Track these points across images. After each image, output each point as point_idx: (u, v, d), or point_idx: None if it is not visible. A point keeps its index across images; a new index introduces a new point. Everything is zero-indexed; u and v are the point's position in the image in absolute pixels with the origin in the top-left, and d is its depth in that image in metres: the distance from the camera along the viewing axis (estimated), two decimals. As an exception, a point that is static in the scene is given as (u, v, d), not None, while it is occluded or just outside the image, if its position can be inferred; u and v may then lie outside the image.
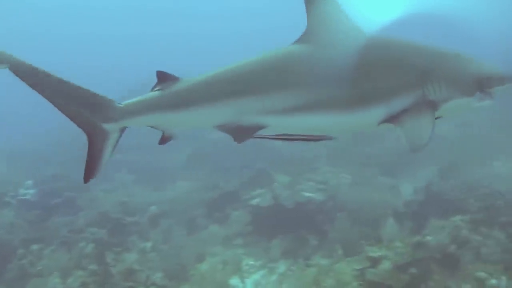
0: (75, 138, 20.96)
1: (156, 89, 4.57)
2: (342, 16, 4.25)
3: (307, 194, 12.82)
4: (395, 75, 4.05)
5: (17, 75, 4.23)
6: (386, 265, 9.34)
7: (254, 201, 12.98)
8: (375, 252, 9.75)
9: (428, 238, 9.95)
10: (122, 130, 4.64)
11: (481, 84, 4.00)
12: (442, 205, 11.49)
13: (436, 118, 4.06)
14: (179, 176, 16.86)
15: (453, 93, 4.01)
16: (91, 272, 10.57)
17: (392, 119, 4.03)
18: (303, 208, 12.45)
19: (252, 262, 11.26)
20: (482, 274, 8.81)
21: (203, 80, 4.43)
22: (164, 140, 4.67)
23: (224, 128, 4.31)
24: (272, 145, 17.33)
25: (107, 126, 4.54)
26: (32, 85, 4.29)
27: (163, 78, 4.54)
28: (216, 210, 13.56)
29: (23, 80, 4.24)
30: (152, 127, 4.65)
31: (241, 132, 4.26)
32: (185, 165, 17.80)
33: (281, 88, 4.16)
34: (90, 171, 4.54)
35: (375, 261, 9.52)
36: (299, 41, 4.34)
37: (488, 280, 8.70)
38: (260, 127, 4.25)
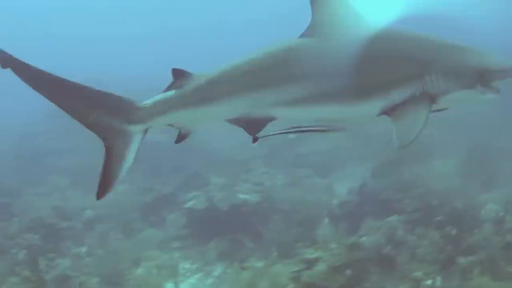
0: (11, 145, 20.47)
1: (173, 86, 4.47)
2: (346, 8, 4.23)
3: (243, 196, 12.69)
4: (395, 67, 4.07)
5: (21, 77, 4.11)
6: (321, 266, 9.28)
7: (189, 204, 12.80)
8: (310, 254, 9.67)
9: (364, 239, 9.94)
10: (146, 132, 4.49)
11: (483, 77, 3.88)
12: (378, 205, 11.47)
13: (441, 109, 4.14)
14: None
15: (453, 85, 3.93)
16: (24, 278, 10.15)
17: (389, 111, 4.02)
18: (238, 210, 12.31)
19: (188, 266, 11.10)
20: (418, 274, 8.83)
21: (218, 75, 4.42)
22: (181, 138, 4.62)
23: (237, 121, 4.36)
24: (208, 147, 17.10)
25: (131, 128, 4.39)
26: (39, 90, 4.17)
27: (178, 74, 4.45)
28: (151, 214, 13.35)
29: (29, 84, 4.12)
30: (170, 125, 4.56)
31: (253, 125, 4.32)
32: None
33: (289, 81, 4.20)
34: (107, 183, 4.38)
35: (310, 263, 9.44)
36: (304, 34, 4.36)
37: (424, 280, 8.74)
38: (271, 119, 4.30)
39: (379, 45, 4.07)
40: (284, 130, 4.38)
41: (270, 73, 4.26)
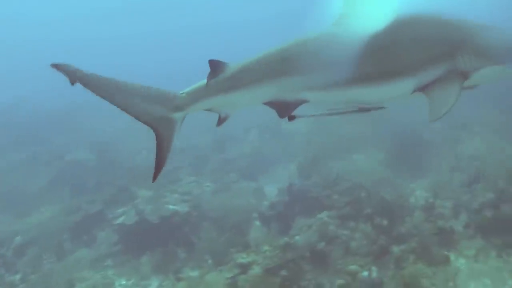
0: None
1: (210, 76, 4.88)
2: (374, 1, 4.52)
3: (172, 207, 12.50)
4: (428, 47, 4.33)
5: (88, 89, 4.62)
6: (256, 270, 9.21)
7: (119, 220, 12.52)
8: (244, 258, 9.61)
9: (296, 238, 9.88)
10: (184, 118, 4.98)
11: (510, 53, 4.21)
12: (307, 203, 11.45)
13: (472, 87, 4.47)
14: (42, 200, 15.89)
15: (483, 62, 4.23)
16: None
17: (423, 88, 4.32)
18: (168, 221, 12.11)
19: (124, 282, 10.81)
20: (353, 268, 8.81)
21: (250, 63, 4.80)
22: (221, 121, 4.99)
23: (271, 104, 4.77)
24: (132, 160, 17.12)
25: (176, 115, 4.89)
26: (103, 96, 4.67)
27: (215, 65, 4.84)
28: (82, 233, 12.93)
29: (94, 93, 4.63)
30: (209, 110, 4.98)
31: (285, 107, 4.71)
32: (47, 189, 16.83)
33: (321, 67, 4.48)
34: (160, 164, 4.92)
35: (245, 267, 9.36)
36: (335, 24, 4.67)
37: (359, 272, 8.71)
38: (302, 102, 4.68)
39: (411, 28, 4.41)
40: (321, 112, 4.75)
41: (302, 59, 4.58)
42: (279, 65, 4.68)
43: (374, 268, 8.78)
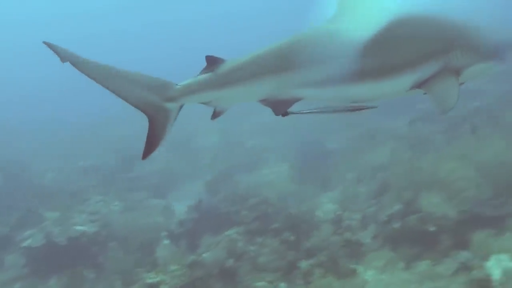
0: None
1: (206, 70, 4.91)
2: None
3: (80, 228, 12.31)
4: (424, 45, 4.47)
5: (78, 69, 4.70)
6: (164, 290, 8.91)
7: (27, 242, 12.18)
8: (152, 278, 9.40)
9: (204, 255, 9.70)
10: (180, 108, 5.00)
11: (499, 50, 4.44)
12: (216, 219, 11.33)
13: (461, 83, 4.50)
14: None
15: (474, 59, 4.44)
16: None
17: (420, 85, 4.46)
18: (76, 242, 11.92)
19: (32, 306, 10.38)
20: (261, 284, 8.70)
21: (247, 60, 4.81)
22: (215, 115, 5.03)
23: (266, 102, 4.78)
24: (38, 181, 16.64)
25: (168, 105, 4.93)
26: (94, 78, 4.74)
27: (211, 61, 4.91)
28: (-11, 257, 12.46)
29: (85, 74, 4.72)
30: (204, 103, 5.01)
31: (280, 105, 4.72)
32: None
33: (316, 64, 4.52)
34: (150, 148, 4.96)
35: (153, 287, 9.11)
36: (331, 20, 4.73)
37: (268, 288, 8.59)
38: (297, 99, 4.68)
39: (406, 26, 4.51)
40: (314, 109, 4.73)
41: (297, 56, 4.59)
42: (274, 63, 4.71)
43: (282, 284, 8.69)
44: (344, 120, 14.57)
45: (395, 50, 4.47)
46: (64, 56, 4.70)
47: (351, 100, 4.69)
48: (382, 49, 4.42)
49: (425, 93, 4.48)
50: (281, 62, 4.69)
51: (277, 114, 4.78)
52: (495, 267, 8.05)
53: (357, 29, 4.49)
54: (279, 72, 4.67)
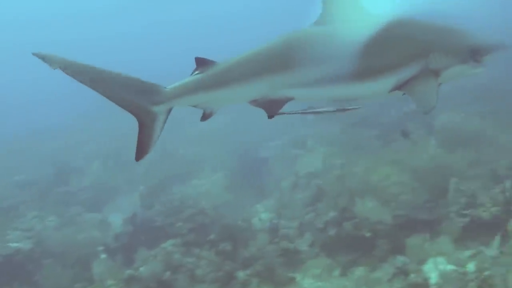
0: None
1: (195, 73, 5.04)
2: (354, 1, 4.87)
3: (14, 245, 11.99)
4: (404, 48, 4.71)
5: (68, 74, 4.74)
6: (100, 306, 8.77)
7: None
8: None
9: (141, 269, 9.58)
10: (169, 111, 5.08)
11: (474, 53, 4.68)
12: (152, 232, 11.20)
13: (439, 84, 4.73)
14: None
15: (451, 61, 4.68)
16: None
17: (401, 87, 4.66)
18: (11, 260, 11.61)
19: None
20: (200, 296, 8.60)
21: (237, 62, 4.95)
22: (205, 117, 5.11)
23: (257, 103, 4.91)
24: None
25: (156, 108, 5.00)
26: (84, 82, 4.80)
27: (201, 63, 5.02)
28: None
29: (75, 78, 4.79)
30: (194, 106, 5.10)
31: (272, 105, 4.85)
32: None
33: (303, 65, 4.69)
34: (142, 150, 5.03)
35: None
36: (316, 23, 4.92)
37: (205, 301, 8.52)
38: (288, 99, 4.82)
39: (388, 30, 4.67)
40: (301, 110, 5.05)
41: (287, 57, 4.78)
42: (264, 64, 4.87)
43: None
44: (278, 127, 14.61)
45: (378, 53, 4.68)
46: (53, 62, 4.75)
47: (339, 99, 4.97)
48: (366, 52, 4.59)
49: (404, 94, 4.70)
50: (270, 63, 4.85)
51: (270, 115, 4.90)
52: (432, 271, 8.17)
53: (342, 33, 4.70)
54: (268, 73, 4.83)
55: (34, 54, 4.78)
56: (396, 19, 4.79)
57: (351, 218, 9.70)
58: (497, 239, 8.24)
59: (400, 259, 8.57)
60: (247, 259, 9.40)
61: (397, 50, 4.72)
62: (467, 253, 8.55)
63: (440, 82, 4.76)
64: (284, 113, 4.90)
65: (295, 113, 5.06)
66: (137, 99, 5.00)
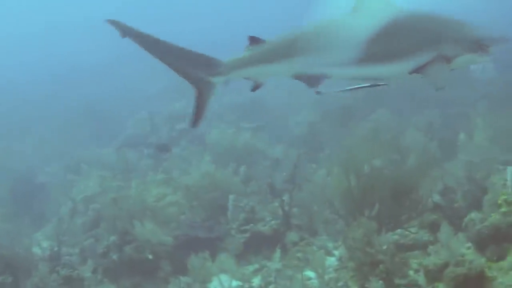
0: None
1: (248, 49, 5.78)
2: None
3: None
4: (419, 37, 5.46)
5: (138, 44, 5.60)
6: None
7: None
8: None
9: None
10: (226, 82, 5.85)
11: (481, 44, 5.36)
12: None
13: (452, 69, 5.50)
14: None
15: (461, 50, 5.40)
16: None
17: (418, 69, 5.39)
18: None
19: None
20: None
21: (282, 41, 5.81)
22: (256, 87, 5.92)
23: (299, 77, 5.62)
24: None
25: (215, 79, 5.80)
26: (152, 53, 5.69)
27: (254, 41, 5.76)
28: None
29: (145, 49, 5.65)
30: (246, 78, 5.87)
31: (311, 80, 5.56)
32: None
33: (335, 47, 5.35)
34: (198, 117, 5.82)
35: None
36: (350, 12, 5.56)
37: None
38: (326, 77, 5.54)
39: (407, 20, 5.52)
40: (342, 89, 5.81)
41: (322, 40, 5.50)
42: (304, 45, 5.57)
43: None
44: (55, 149, 14.32)
45: (398, 40, 5.47)
46: (124, 30, 5.59)
47: (367, 79, 5.71)
48: (388, 39, 5.38)
49: (422, 77, 5.45)
50: (310, 44, 5.58)
51: (310, 87, 5.60)
52: (218, 288, 8.56)
53: (370, 22, 5.39)
54: (308, 52, 5.58)
55: (108, 21, 5.62)
56: (415, 12, 5.64)
57: (132, 241, 9.83)
58: (278, 252, 8.84)
59: (183, 280, 8.84)
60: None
61: (415, 39, 5.50)
62: (251, 268, 9.22)
63: (452, 68, 5.51)
64: (328, 92, 5.92)
65: (339, 92, 5.91)
66: (198, 71, 5.79)
